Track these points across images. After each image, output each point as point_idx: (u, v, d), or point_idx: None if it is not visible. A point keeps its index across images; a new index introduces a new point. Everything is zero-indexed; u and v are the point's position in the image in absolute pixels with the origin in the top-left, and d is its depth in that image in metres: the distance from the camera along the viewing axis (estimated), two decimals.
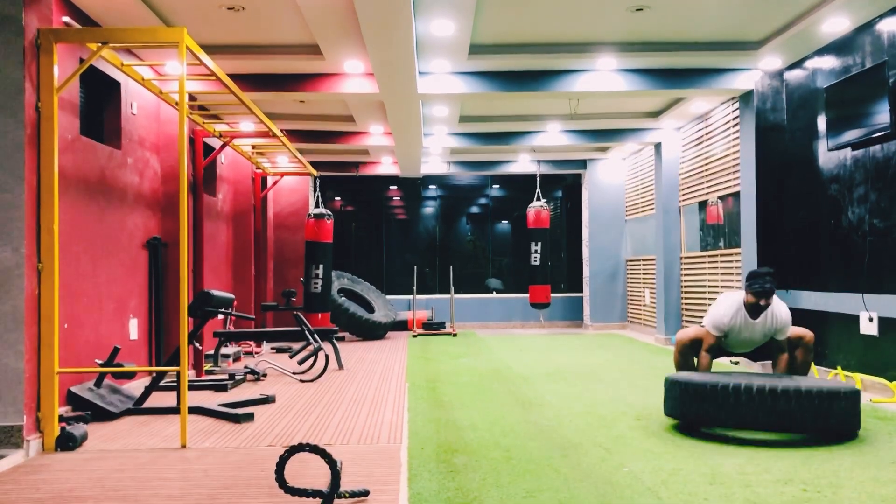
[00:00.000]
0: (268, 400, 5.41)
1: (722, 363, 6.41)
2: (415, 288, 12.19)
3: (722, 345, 4.95)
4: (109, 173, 5.55)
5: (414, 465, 3.73)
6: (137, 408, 5.02)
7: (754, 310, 4.73)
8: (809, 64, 6.77)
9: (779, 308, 4.78)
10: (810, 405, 4.03)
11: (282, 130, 8.93)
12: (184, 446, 4.07)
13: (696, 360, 4.95)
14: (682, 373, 4.60)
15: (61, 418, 4.47)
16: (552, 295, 12.31)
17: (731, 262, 8.17)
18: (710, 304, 8.81)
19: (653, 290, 10.79)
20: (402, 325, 12.13)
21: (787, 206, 7.12)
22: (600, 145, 11.45)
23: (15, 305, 3.93)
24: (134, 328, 5.98)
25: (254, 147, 8.58)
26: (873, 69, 5.67)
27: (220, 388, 5.98)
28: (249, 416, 4.78)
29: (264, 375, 6.80)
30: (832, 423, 4.05)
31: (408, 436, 4.37)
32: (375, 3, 4.66)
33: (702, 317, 9.06)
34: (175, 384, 5.70)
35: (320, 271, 9.31)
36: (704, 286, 9.01)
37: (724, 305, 4.84)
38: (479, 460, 3.81)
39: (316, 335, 7.16)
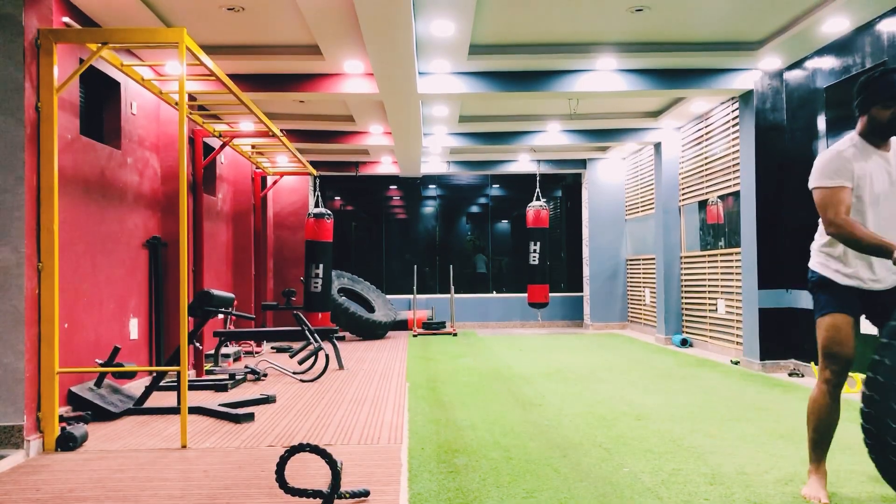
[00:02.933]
0: (268, 400, 5.41)
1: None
2: (415, 287, 12.20)
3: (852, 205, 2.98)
4: (109, 173, 5.55)
5: (414, 465, 3.73)
6: (138, 408, 5.02)
7: (882, 131, 2.98)
8: (809, 64, 6.78)
9: None
10: None
11: (281, 130, 8.93)
12: (184, 446, 4.07)
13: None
14: None
15: (61, 418, 4.48)
16: (552, 295, 12.34)
17: (731, 261, 8.17)
18: (710, 304, 8.83)
19: (653, 289, 10.79)
20: (402, 325, 12.13)
21: (786, 206, 7.12)
22: (600, 145, 11.45)
23: (15, 305, 3.93)
24: (134, 328, 5.98)
25: (253, 147, 8.58)
26: (873, 69, 5.67)
27: (220, 388, 5.98)
28: (250, 416, 4.78)
29: (265, 375, 6.80)
30: None
31: (408, 436, 4.37)
32: (375, 3, 4.66)
33: (702, 317, 9.11)
34: (175, 384, 5.71)
35: (320, 271, 9.31)
36: (704, 285, 9.01)
37: (828, 152, 3.05)
38: (480, 460, 3.81)
39: (316, 335, 7.17)
